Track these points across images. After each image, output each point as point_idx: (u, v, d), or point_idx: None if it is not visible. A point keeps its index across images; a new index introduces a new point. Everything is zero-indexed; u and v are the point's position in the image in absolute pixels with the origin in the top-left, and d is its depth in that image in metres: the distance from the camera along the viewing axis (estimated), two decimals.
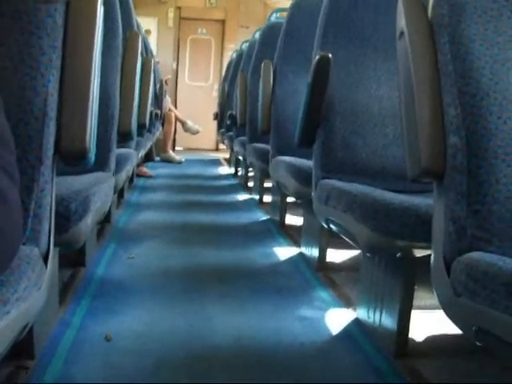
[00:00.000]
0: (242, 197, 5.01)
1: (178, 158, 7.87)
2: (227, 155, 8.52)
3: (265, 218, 3.97)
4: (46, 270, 1.12)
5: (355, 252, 2.80)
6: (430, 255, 1.30)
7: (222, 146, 9.38)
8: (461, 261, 1.12)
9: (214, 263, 2.69)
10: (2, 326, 0.82)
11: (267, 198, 4.38)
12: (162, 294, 2.18)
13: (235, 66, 6.53)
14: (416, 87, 1.26)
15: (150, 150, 6.00)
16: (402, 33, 1.36)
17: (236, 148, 5.46)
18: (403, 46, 1.34)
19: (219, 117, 7.51)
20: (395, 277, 1.76)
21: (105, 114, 2.06)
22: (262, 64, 3.42)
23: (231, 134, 6.07)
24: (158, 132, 6.86)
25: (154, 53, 8.46)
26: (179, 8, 10.75)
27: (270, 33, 4.23)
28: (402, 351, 1.73)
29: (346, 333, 1.92)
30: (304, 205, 2.85)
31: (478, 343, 1.09)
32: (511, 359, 1.47)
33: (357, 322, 2.02)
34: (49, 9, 1.15)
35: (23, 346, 1.50)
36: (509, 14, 1.24)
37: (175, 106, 9.70)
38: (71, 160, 1.23)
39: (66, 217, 1.43)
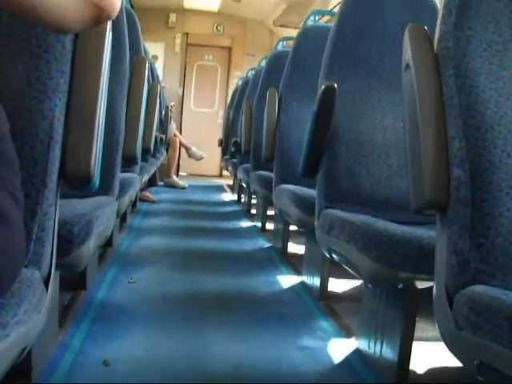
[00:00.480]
0: (245, 224, 5.01)
1: (181, 183, 7.88)
2: (231, 182, 8.53)
3: (267, 245, 3.96)
4: (46, 293, 1.11)
5: (357, 282, 2.79)
6: (432, 286, 1.30)
7: (225, 173, 9.39)
8: (463, 294, 1.11)
9: (215, 290, 2.68)
10: (0, 348, 0.82)
11: (270, 226, 4.38)
12: (162, 320, 2.18)
13: (241, 93, 6.56)
14: (421, 119, 1.26)
15: (154, 175, 6.02)
16: (407, 65, 1.37)
17: (240, 175, 5.47)
18: (409, 78, 1.35)
19: (224, 143, 7.53)
20: (397, 308, 1.76)
21: (110, 139, 2.06)
22: (268, 92, 3.43)
23: (235, 160, 6.08)
24: (163, 157, 6.87)
25: (161, 78, 8.51)
26: (186, 34, 10.83)
27: (276, 61, 4.25)
28: (403, 383, 1.72)
29: (347, 363, 1.91)
30: (306, 233, 2.84)
31: (479, 377, 1.08)
32: None
33: (358, 352, 2.01)
34: (58, 34, 1.15)
35: (21, 369, 1.49)
36: None
37: (180, 132, 9.73)
38: (76, 184, 1.23)
39: (68, 240, 1.43)
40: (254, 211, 5.32)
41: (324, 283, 2.61)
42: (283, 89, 3.36)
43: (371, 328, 1.92)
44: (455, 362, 1.18)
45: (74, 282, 2.37)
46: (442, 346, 1.22)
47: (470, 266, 1.15)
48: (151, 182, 6.08)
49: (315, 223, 2.23)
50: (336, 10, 2.44)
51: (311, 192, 2.49)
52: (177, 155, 8.06)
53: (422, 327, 2.04)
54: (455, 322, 1.12)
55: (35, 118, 1.12)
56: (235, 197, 6.98)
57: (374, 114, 2.24)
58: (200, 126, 10.73)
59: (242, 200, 6.38)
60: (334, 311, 2.44)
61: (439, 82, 1.26)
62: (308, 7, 8.22)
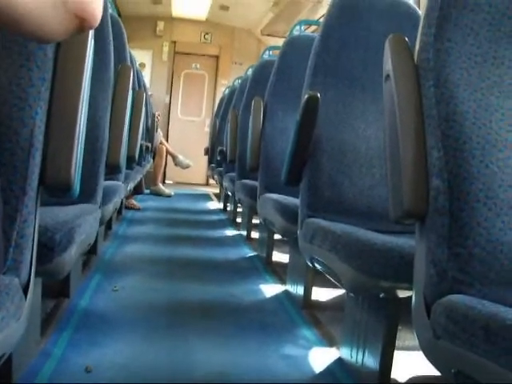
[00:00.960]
0: (230, 232, 5.01)
1: (167, 191, 7.88)
2: (217, 190, 8.53)
3: (252, 254, 3.96)
4: (25, 300, 1.11)
5: (341, 291, 2.80)
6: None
7: (212, 181, 9.39)
8: (441, 303, 1.12)
9: (199, 298, 2.68)
10: None
11: (255, 235, 4.38)
12: (145, 328, 2.17)
13: (227, 102, 6.57)
14: (400, 129, 1.27)
15: (140, 183, 6.01)
16: (388, 75, 1.37)
17: (225, 184, 5.47)
18: (389, 89, 1.36)
19: (210, 152, 7.53)
20: (378, 317, 1.76)
21: (93, 147, 2.06)
22: (253, 101, 3.44)
23: (221, 169, 6.09)
24: (149, 165, 6.87)
25: (148, 86, 8.51)
26: (174, 42, 10.85)
27: (262, 70, 4.26)
28: None
29: (329, 372, 1.92)
30: (290, 242, 2.85)
31: None
32: None
33: (340, 361, 2.01)
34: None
35: (0, 376, 1.49)
36: (492, 61, 1.26)
37: (167, 140, 9.73)
38: (56, 192, 1.23)
39: (49, 247, 1.43)
40: (239, 220, 5.32)
41: (307, 292, 2.62)
42: (268, 98, 3.37)
43: (353, 337, 1.93)
44: (436, 371, 1.19)
45: (57, 289, 2.36)
46: (423, 355, 1.23)
47: (447, 276, 1.15)
48: (137, 190, 6.06)
49: (298, 232, 2.23)
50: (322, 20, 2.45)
51: (295, 201, 2.50)
52: (163, 163, 8.05)
53: (404, 336, 2.04)
54: (433, 330, 1.13)
55: (16, 125, 1.12)
56: (221, 205, 6.98)
57: (358, 123, 2.25)
58: (187, 135, 10.74)
59: (228, 209, 6.38)
60: (317, 320, 2.45)
61: (419, 92, 1.27)
62: (295, 17, 8.25)
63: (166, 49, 10.80)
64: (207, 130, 10.32)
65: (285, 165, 2.31)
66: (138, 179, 5.35)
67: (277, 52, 3.83)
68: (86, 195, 2.02)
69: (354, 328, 1.93)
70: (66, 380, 1.64)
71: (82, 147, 1.26)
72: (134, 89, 2.74)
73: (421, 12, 2.26)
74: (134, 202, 6.03)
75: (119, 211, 5.06)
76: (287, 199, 2.71)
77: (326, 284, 2.64)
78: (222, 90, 9.84)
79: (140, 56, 9.32)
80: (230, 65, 10.99)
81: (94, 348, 1.91)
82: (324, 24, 2.34)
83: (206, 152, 8.17)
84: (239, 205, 5.30)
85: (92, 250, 3.18)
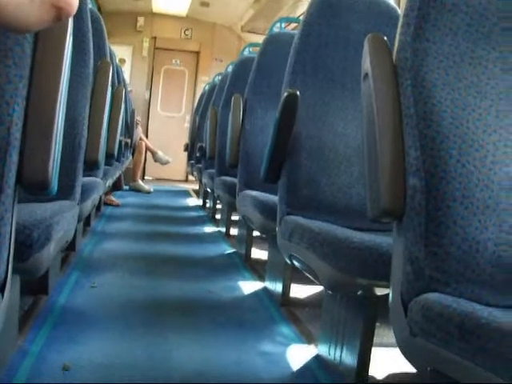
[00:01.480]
0: (209, 229, 5.01)
1: (147, 187, 7.85)
2: (197, 187, 8.52)
3: (231, 251, 3.96)
4: (2, 298, 1.10)
5: (319, 288, 2.81)
6: None
7: (191, 178, 9.38)
8: (417, 301, 1.13)
9: (177, 295, 2.67)
10: None
11: (234, 231, 4.38)
12: (124, 325, 2.17)
13: (207, 99, 6.55)
14: (378, 128, 1.28)
15: (119, 179, 5.99)
16: (366, 74, 1.38)
17: (205, 180, 5.46)
18: (367, 88, 1.36)
19: (189, 148, 7.51)
20: (356, 314, 1.77)
21: (72, 143, 2.05)
22: (233, 98, 3.43)
23: (200, 165, 6.08)
24: (128, 161, 6.84)
25: (128, 81, 8.47)
26: (154, 38, 10.82)
27: (242, 67, 4.26)
28: None
29: (307, 369, 1.92)
30: (269, 239, 2.85)
31: None
32: None
33: (318, 358, 2.02)
34: (17, 37, 1.14)
35: None
36: (470, 61, 1.27)
37: (146, 136, 9.70)
38: (33, 190, 1.22)
39: (27, 245, 1.42)
40: (218, 216, 5.32)
41: (286, 289, 2.62)
42: (248, 95, 3.37)
43: (331, 334, 1.94)
44: (413, 368, 1.20)
45: (35, 286, 2.35)
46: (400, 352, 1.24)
47: (424, 274, 1.16)
48: (116, 186, 6.05)
49: (277, 229, 2.24)
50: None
51: (274, 198, 2.50)
52: (143, 159, 8.02)
53: (382, 333, 2.06)
54: (410, 328, 1.14)
55: None
56: (200, 202, 6.98)
57: (337, 121, 2.25)
58: (166, 131, 10.72)
59: (207, 205, 6.38)
60: (295, 317, 2.46)
61: (397, 92, 1.28)
62: (276, 14, 8.25)
63: (146, 44, 10.76)
64: (187, 126, 10.31)
65: (264, 162, 2.31)
66: (117, 175, 5.34)
67: (257, 49, 3.82)
68: (65, 192, 2.01)
69: (332, 325, 1.94)
70: (45, 379, 1.64)
71: (60, 144, 1.25)
72: (113, 84, 2.72)
73: (400, 11, 2.27)
74: (112, 198, 6.01)
75: (98, 208, 5.04)
76: (266, 196, 2.71)
77: (305, 281, 2.65)
78: (202, 86, 9.81)
79: (120, 51, 9.28)
80: (211, 61, 10.97)
81: (71, 346, 1.90)
82: (303, 22, 2.34)
83: (186, 148, 8.15)
84: (218, 201, 5.30)
85: (70, 247, 3.17)
